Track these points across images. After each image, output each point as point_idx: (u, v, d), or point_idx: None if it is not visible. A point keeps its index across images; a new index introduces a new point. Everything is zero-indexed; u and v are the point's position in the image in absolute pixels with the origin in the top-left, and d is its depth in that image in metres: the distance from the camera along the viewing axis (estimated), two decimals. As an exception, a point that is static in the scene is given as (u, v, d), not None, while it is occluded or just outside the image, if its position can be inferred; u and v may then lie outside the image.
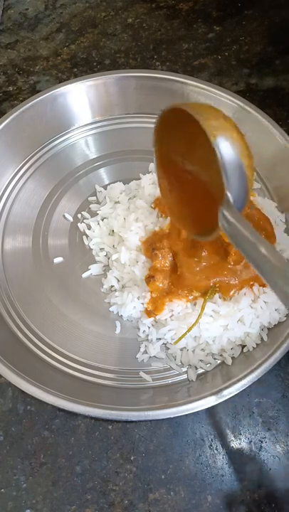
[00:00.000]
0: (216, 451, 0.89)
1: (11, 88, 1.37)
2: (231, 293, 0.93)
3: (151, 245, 0.98)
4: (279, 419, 0.92)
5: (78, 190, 1.18)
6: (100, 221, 1.10)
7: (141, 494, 0.85)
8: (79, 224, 1.12)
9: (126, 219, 1.06)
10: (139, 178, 1.15)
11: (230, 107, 1.21)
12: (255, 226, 1.00)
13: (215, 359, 0.95)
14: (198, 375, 0.94)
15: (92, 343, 0.98)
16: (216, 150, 0.64)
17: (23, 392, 0.87)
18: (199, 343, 0.94)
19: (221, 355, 0.95)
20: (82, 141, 1.25)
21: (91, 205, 1.15)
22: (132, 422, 0.91)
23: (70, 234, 1.12)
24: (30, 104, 1.18)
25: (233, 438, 0.90)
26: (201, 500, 0.85)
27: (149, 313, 0.95)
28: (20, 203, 1.15)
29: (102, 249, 1.08)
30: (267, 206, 1.08)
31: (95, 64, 1.43)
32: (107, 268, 1.07)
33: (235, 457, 0.89)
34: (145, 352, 0.97)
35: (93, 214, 1.14)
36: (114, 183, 1.17)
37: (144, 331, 0.98)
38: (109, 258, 1.06)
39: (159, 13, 1.54)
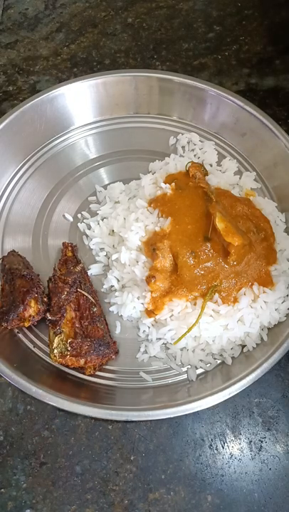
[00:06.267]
0: (216, 451, 0.89)
1: (11, 88, 1.37)
2: (232, 299, 0.94)
3: (152, 245, 0.98)
4: (279, 419, 0.92)
5: (78, 190, 1.18)
6: (100, 221, 1.10)
7: (141, 494, 0.85)
8: (79, 224, 1.12)
9: (126, 219, 1.06)
10: (139, 178, 1.15)
11: (231, 107, 1.22)
12: (255, 226, 1.01)
13: (215, 359, 0.95)
14: (198, 375, 0.94)
15: (92, 343, 0.98)
16: None
17: (23, 392, 0.87)
18: (199, 343, 0.94)
19: (221, 355, 0.95)
20: (82, 141, 1.25)
21: (91, 205, 1.15)
22: (132, 422, 0.91)
23: (70, 234, 1.12)
24: (30, 104, 1.18)
25: (233, 438, 0.90)
26: (201, 500, 0.85)
27: (149, 312, 0.95)
28: (20, 202, 1.15)
29: (102, 249, 1.08)
30: (267, 206, 1.08)
31: (95, 64, 1.43)
32: (107, 268, 1.07)
33: (235, 457, 0.89)
34: (145, 352, 0.97)
35: (93, 214, 1.14)
36: (114, 183, 1.17)
37: (144, 331, 0.98)
38: (109, 258, 1.06)
39: (159, 13, 1.54)
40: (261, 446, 0.90)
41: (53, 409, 0.91)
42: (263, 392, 0.95)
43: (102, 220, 1.11)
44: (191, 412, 0.84)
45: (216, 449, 0.89)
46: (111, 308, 1.01)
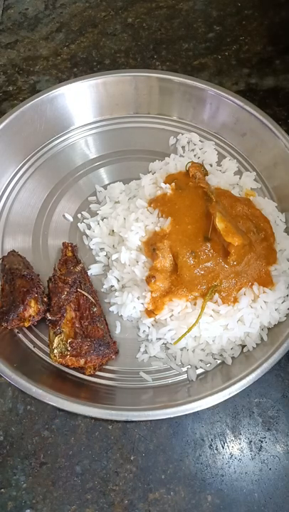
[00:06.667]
0: (216, 451, 0.89)
1: (10, 88, 1.37)
2: (232, 299, 0.94)
3: (152, 245, 0.98)
4: (279, 419, 0.92)
5: (78, 190, 1.18)
6: (100, 221, 1.10)
7: (141, 494, 0.85)
8: (79, 224, 1.12)
9: (126, 219, 1.06)
10: (139, 178, 1.15)
11: (231, 107, 1.22)
12: (255, 226, 1.01)
13: (215, 359, 0.95)
14: (198, 375, 0.94)
15: (92, 343, 0.98)
16: None
17: (23, 392, 0.87)
18: (199, 343, 0.94)
19: (221, 355, 0.95)
20: (82, 141, 1.25)
21: (91, 205, 1.15)
22: (132, 422, 0.91)
23: (70, 234, 1.12)
24: (30, 103, 1.18)
25: (233, 438, 0.90)
26: (201, 500, 0.85)
27: (149, 312, 0.95)
28: (20, 202, 1.15)
29: (102, 249, 1.08)
30: (267, 206, 1.08)
31: (95, 64, 1.43)
32: (107, 268, 1.07)
33: (235, 457, 0.89)
34: (145, 352, 0.97)
35: (93, 214, 1.14)
36: (114, 183, 1.17)
37: (144, 331, 0.98)
38: (109, 258, 1.06)
39: (159, 13, 1.54)
40: (261, 446, 0.90)
41: (53, 409, 0.91)
42: (263, 392, 0.95)
43: (102, 220, 1.11)
44: (191, 412, 0.84)
45: (216, 449, 0.89)
46: (111, 308, 1.01)
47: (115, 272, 1.02)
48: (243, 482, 0.87)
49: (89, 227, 1.12)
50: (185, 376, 0.95)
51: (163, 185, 1.06)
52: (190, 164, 1.08)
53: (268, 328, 0.96)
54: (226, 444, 0.90)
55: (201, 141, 1.24)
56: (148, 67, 1.41)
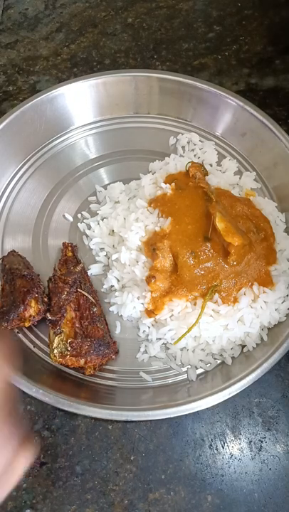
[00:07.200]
0: (216, 451, 0.89)
1: (10, 88, 1.37)
2: (232, 299, 0.94)
3: (152, 245, 0.98)
4: (279, 419, 0.92)
5: (78, 190, 1.18)
6: (100, 221, 1.10)
7: (141, 494, 0.85)
8: (79, 224, 1.12)
9: (126, 219, 1.06)
10: (139, 178, 1.15)
11: (231, 107, 1.22)
12: (255, 226, 1.01)
13: (215, 359, 0.95)
14: (198, 375, 0.94)
15: (92, 343, 0.98)
16: None
17: (23, 392, 0.87)
18: (199, 343, 0.94)
19: (221, 355, 0.95)
20: (82, 141, 1.25)
21: (91, 205, 1.15)
22: (132, 422, 0.91)
23: (70, 234, 1.12)
24: (30, 103, 1.18)
25: (233, 438, 0.90)
26: (201, 500, 0.85)
27: (149, 312, 0.95)
28: (20, 202, 1.15)
29: (102, 249, 1.08)
30: (267, 206, 1.08)
31: (94, 64, 1.43)
32: (107, 268, 1.07)
33: (235, 457, 0.89)
34: (145, 352, 0.97)
35: (93, 214, 1.14)
36: (114, 183, 1.17)
37: (144, 331, 0.98)
38: (109, 258, 1.06)
39: (159, 12, 1.54)
40: (261, 446, 0.90)
41: (53, 409, 0.91)
42: (263, 392, 0.95)
43: (102, 220, 1.11)
44: (191, 412, 0.84)
45: (216, 449, 0.89)
46: (111, 308, 1.01)
47: (115, 272, 1.02)
48: (243, 482, 0.87)
49: (89, 227, 1.12)
50: (185, 376, 0.95)
51: (163, 185, 1.06)
52: (190, 164, 1.08)
53: (268, 328, 0.96)
54: (226, 444, 0.90)
55: (201, 141, 1.24)
56: (148, 67, 1.41)
